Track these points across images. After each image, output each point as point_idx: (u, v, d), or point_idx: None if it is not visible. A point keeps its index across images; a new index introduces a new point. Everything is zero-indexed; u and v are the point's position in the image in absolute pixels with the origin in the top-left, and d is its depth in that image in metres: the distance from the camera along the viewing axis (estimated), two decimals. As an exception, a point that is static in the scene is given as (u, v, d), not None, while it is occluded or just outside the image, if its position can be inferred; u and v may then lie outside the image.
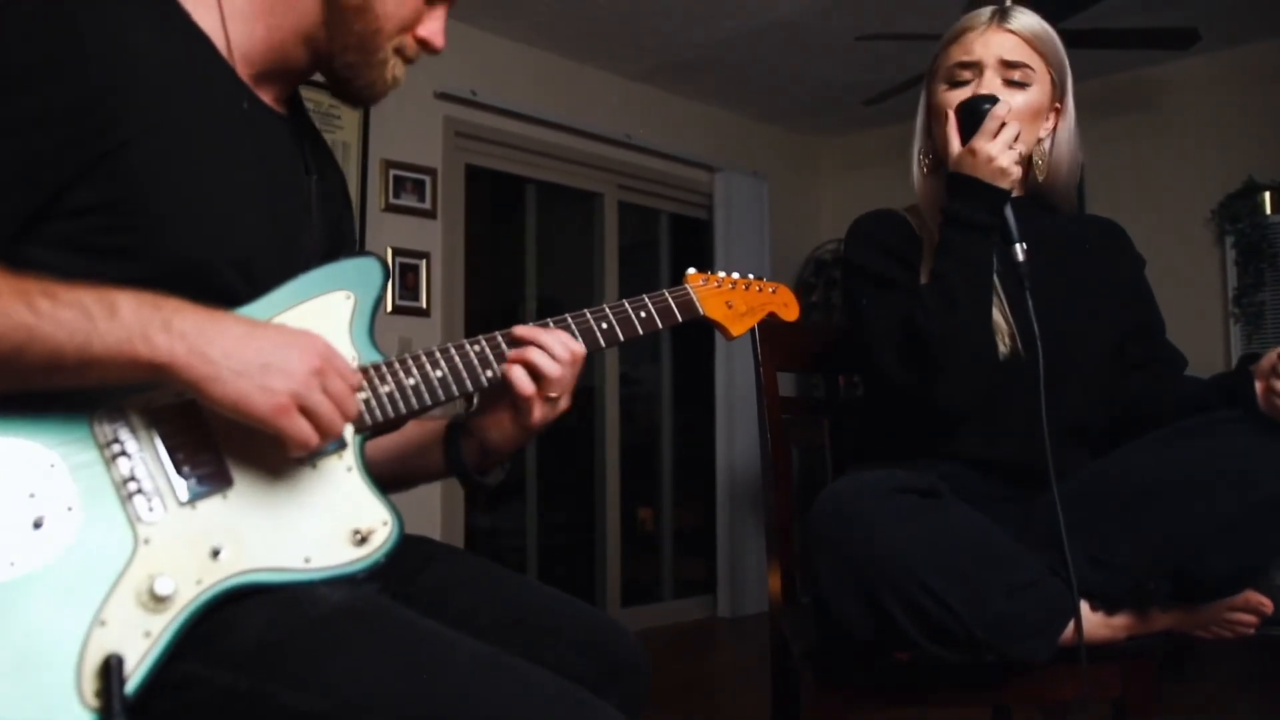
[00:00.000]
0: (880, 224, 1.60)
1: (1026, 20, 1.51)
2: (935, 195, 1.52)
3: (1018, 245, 1.37)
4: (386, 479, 1.00)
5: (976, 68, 1.49)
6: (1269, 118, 4.33)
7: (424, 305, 3.88)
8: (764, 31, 4.21)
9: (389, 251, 3.78)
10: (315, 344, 0.88)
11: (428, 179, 3.94)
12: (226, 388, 0.82)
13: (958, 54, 1.51)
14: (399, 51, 1.10)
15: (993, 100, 1.41)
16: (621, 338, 1.14)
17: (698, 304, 1.24)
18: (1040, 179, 1.54)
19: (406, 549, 0.96)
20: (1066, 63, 1.55)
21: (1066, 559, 1.25)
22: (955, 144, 1.43)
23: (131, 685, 0.76)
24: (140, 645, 0.78)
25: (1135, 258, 1.64)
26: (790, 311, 1.35)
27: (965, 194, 1.39)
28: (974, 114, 1.41)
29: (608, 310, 1.14)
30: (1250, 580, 1.31)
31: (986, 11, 1.53)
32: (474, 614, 1.06)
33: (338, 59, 1.07)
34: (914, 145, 1.60)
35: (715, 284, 1.28)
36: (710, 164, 5.04)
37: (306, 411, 0.86)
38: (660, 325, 1.19)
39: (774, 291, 1.34)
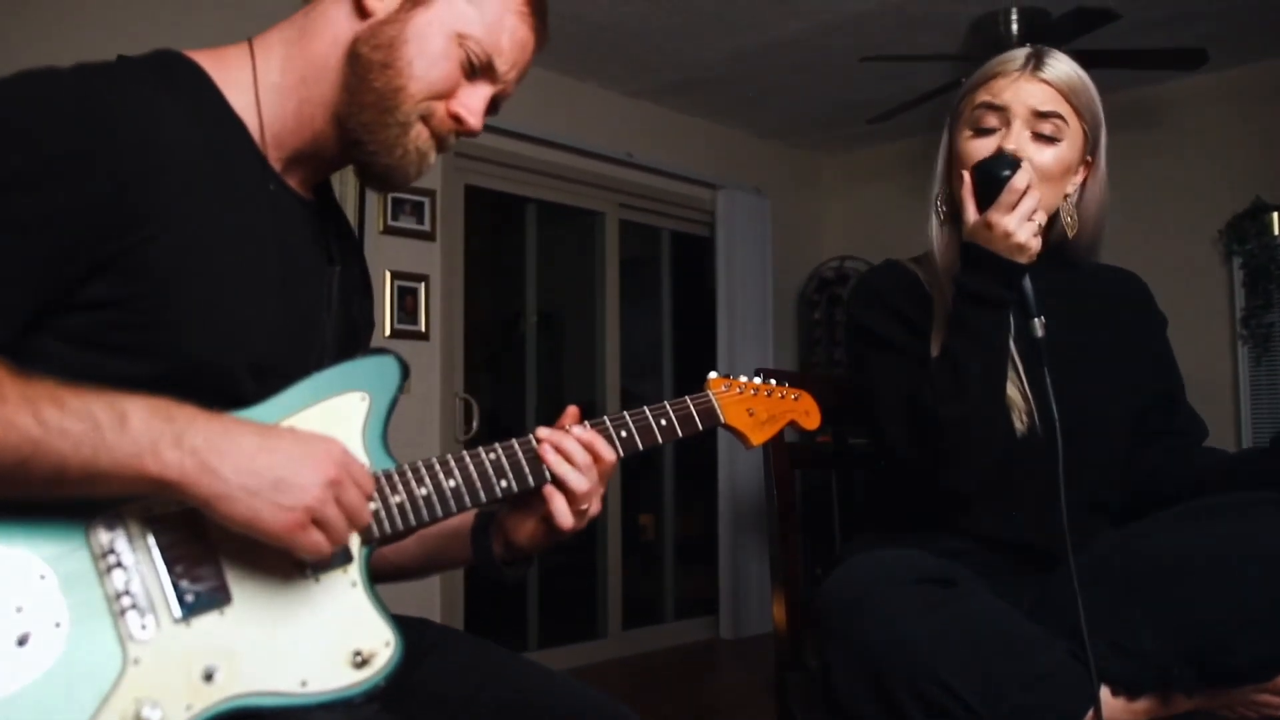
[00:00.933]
0: (889, 282, 1.53)
1: (1063, 69, 1.43)
2: (950, 249, 1.46)
3: (1037, 320, 1.31)
4: (411, 566, 0.97)
5: (1004, 115, 1.41)
6: (1277, 138, 4.30)
7: (423, 329, 3.84)
8: (766, 51, 4.18)
9: (387, 275, 3.73)
10: (332, 451, 0.85)
11: (426, 200, 3.90)
12: (237, 506, 0.80)
13: (985, 97, 1.43)
14: (426, 120, 1.04)
15: (1014, 166, 1.33)
16: (641, 446, 1.11)
17: (719, 413, 1.21)
18: (1069, 235, 1.47)
19: (406, 640, 0.92)
20: (1101, 114, 1.46)
21: (1086, 646, 1.21)
22: (971, 211, 1.36)
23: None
24: (124, 782, 0.73)
25: (1157, 316, 1.59)
26: (811, 420, 1.31)
27: (980, 267, 1.34)
28: (992, 180, 1.34)
29: (628, 418, 1.11)
30: None
31: (1021, 55, 1.44)
32: (476, 698, 1.06)
33: (354, 119, 1.01)
34: (932, 189, 1.51)
35: (738, 390, 1.25)
36: (712, 181, 5.01)
37: (320, 524, 0.83)
38: (681, 434, 1.16)
39: (796, 399, 1.30)
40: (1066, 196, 1.46)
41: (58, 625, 0.76)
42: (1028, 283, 1.33)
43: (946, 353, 1.36)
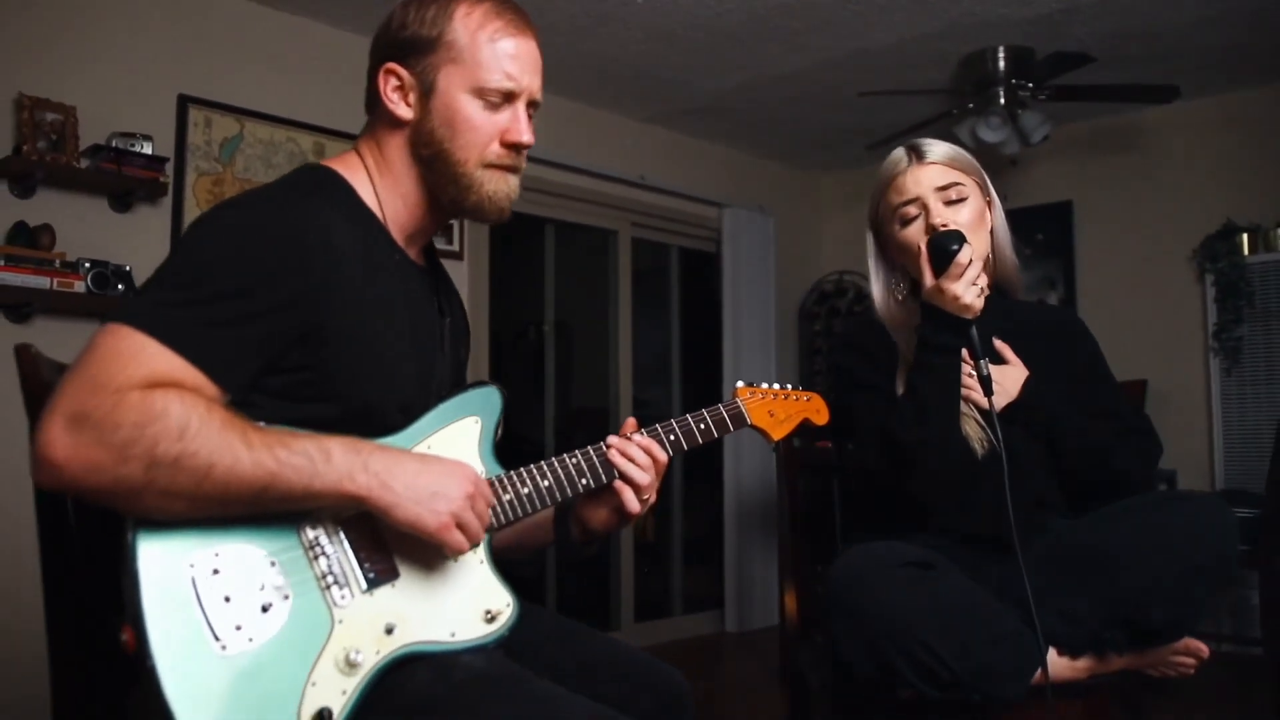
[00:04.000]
0: (864, 333, 1.85)
1: (938, 150, 1.75)
2: (909, 318, 1.76)
3: (983, 361, 1.61)
4: (509, 548, 1.27)
5: (918, 202, 1.72)
6: (1246, 164, 4.60)
7: (454, 342, 4.13)
8: (771, 84, 4.47)
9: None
10: (468, 473, 1.16)
11: (455, 222, 4.19)
12: (406, 512, 1.09)
13: (897, 198, 1.75)
14: (490, 167, 1.27)
15: (960, 242, 1.62)
16: (685, 447, 1.41)
17: (746, 416, 1.49)
18: (994, 269, 1.78)
19: (520, 604, 1.23)
20: (977, 164, 1.79)
21: (1034, 618, 1.51)
22: (928, 278, 1.65)
23: (334, 732, 1.03)
24: (339, 701, 1.04)
25: (1090, 342, 1.87)
26: (821, 417, 1.58)
27: (937, 323, 1.64)
28: (942, 253, 1.63)
29: (674, 424, 1.41)
30: (1188, 629, 1.59)
31: (901, 154, 1.77)
32: (561, 661, 1.33)
33: (442, 196, 1.29)
34: (873, 280, 1.83)
35: (760, 396, 1.52)
36: (719, 200, 5.30)
37: (461, 526, 1.13)
38: (716, 436, 1.44)
39: (808, 400, 1.58)
40: (992, 233, 1.77)
41: (286, 597, 1.06)
42: (974, 332, 1.62)
43: (910, 389, 1.68)
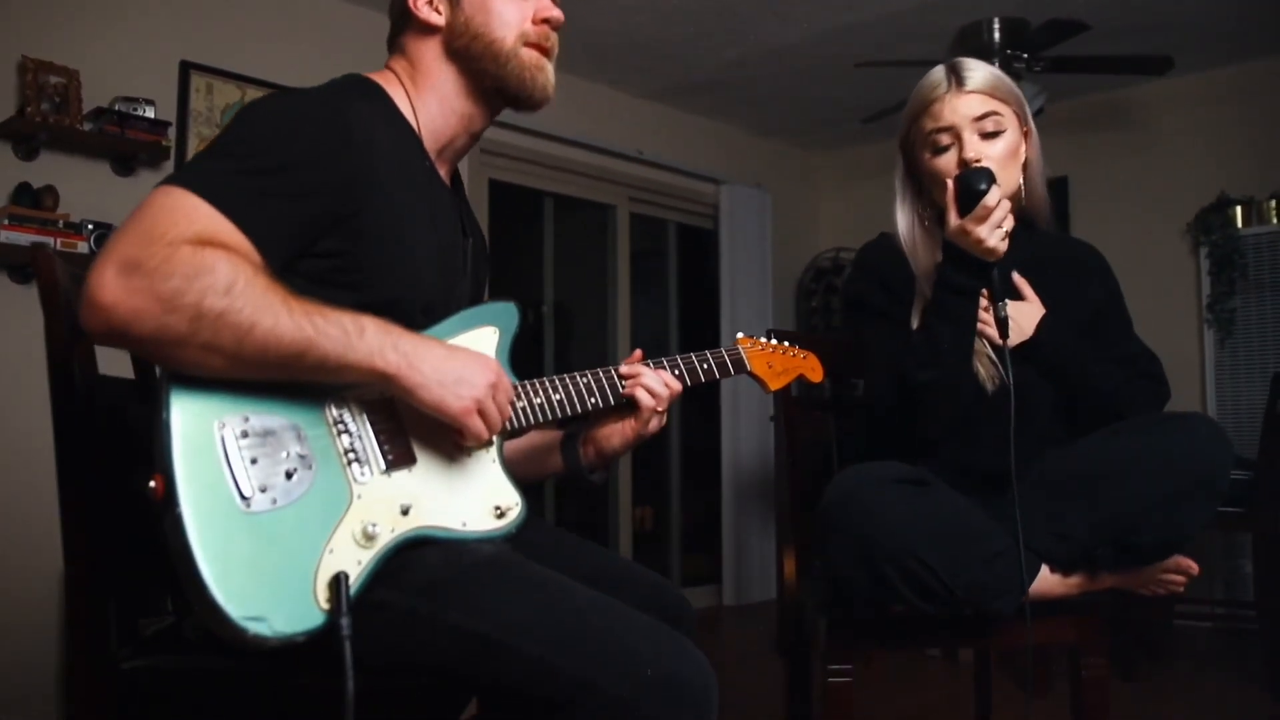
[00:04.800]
0: (881, 257, 1.83)
1: (980, 75, 1.68)
2: (926, 245, 1.75)
3: (1001, 303, 1.60)
4: (520, 475, 1.31)
5: (952, 131, 1.67)
6: (1239, 137, 4.64)
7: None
8: (767, 57, 4.50)
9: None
10: (491, 364, 1.20)
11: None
12: (432, 393, 1.13)
13: (931, 124, 1.69)
14: (528, 46, 1.35)
15: (989, 181, 1.58)
16: (688, 383, 1.46)
17: (746, 362, 1.55)
18: (1024, 201, 1.75)
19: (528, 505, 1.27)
20: (1019, 91, 1.73)
21: (1020, 538, 1.54)
22: (953, 217, 1.61)
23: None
24: (355, 570, 1.08)
25: (1111, 280, 1.87)
26: (816, 375, 1.65)
27: (958, 264, 1.62)
28: (969, 192, 1.59)
29: (679, 360, 1.47)
30: (1178, 548, 1.62)
31: (941, 76, 1.70)
32: (563, 568, 1.36)
33: (484, 82, 1.36)
34: (898, 203, 1.79)
35: (760, 347, 1.59)
36: (716, 177, 5.33)
37: (482, 414, 1.17)
38: (718, 376, 1.50)
39: (804, 358, 1.64)
40: (1025, 165, 1.74)
41: (310, 467, 1.09)
42: (996, 274, 1.61)
43: (925, 327, 1.67)
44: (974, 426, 1.70)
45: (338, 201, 1.18)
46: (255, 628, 0.99)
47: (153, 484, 1.00)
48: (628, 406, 1.42)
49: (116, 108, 3.21)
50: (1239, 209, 4.59)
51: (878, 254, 1.86)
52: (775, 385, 1.60)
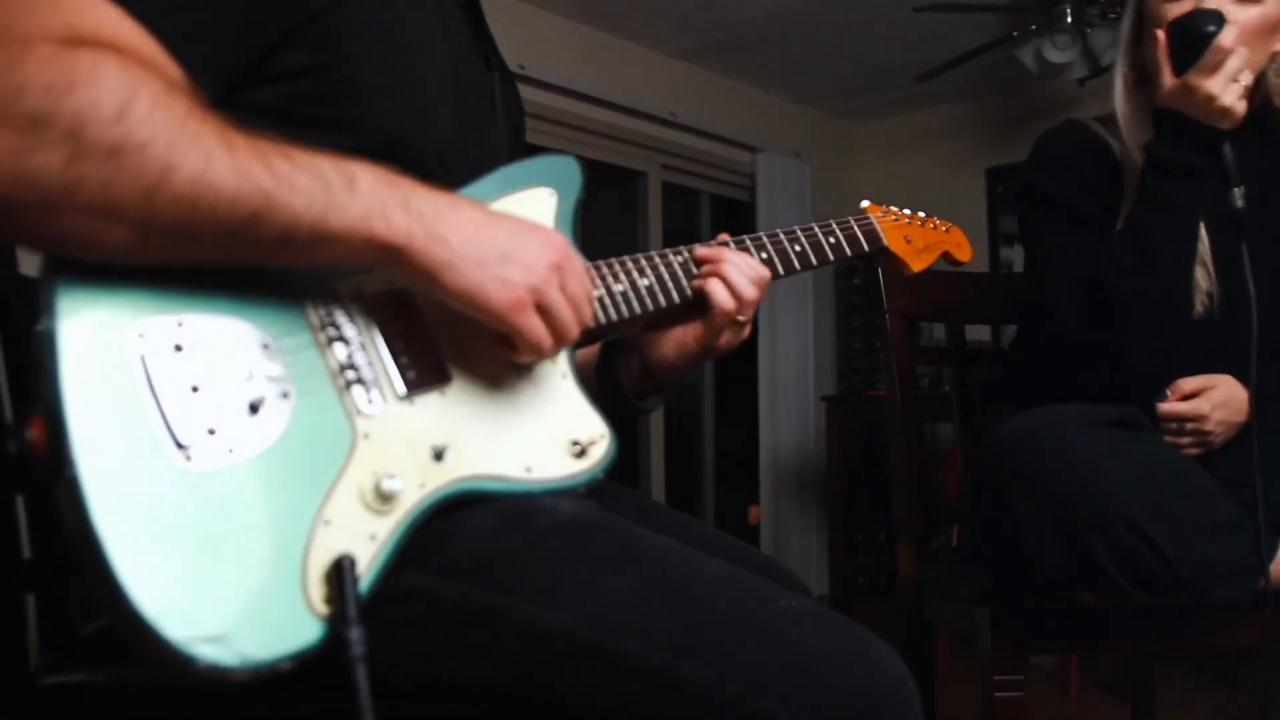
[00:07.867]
0: (1074, 147, 1.43)
1: None
2: (1139, 120, 1.36)
3: (1237, 190, 1.22)
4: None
5: None
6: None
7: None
8: (811, 7, 4.13)
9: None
10: (554, 238, 0.80)
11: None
12: (463, 276, 0.74)
13: None
14: None
15: (1218, 22, 1.22)
16: (815, 262, 1.08)
17: (881, 236, 1.18)
18: (1275, 101, 1.35)
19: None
20: None
21: (1261, 505, 1.16)
22: (1167, 74, 1.25)
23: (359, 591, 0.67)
24: (368, 549, 0.69)
25: None
26: (964, 252, 1.30)
27: (1176, 134, 1.24)
28: (1192, 38, 1.22)
29: (799, 232, 1.08)
30: None
31: None
32: (660, 522, 1.01)
33: None
34: (1117, 59, 1.41)
35: (894, 217, 1.22)
36: (752, 144, 4.97)
37: (543, 310, 0.77)
38: (849, 253, 1.13)
39: (947, 230, 1.28)
40: (1274, 57, 1.34)
41: (285, 395, 0.71)
42: (1228, 150, 1.24)
43: (1132, 224, 1.28)
44: (1186, 359, 1.30)
45: None
46: (209, 654, 0.61)
47: (31, 433, 0.62)
48: (697, 306, 1.02)
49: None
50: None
51: (1068, 142, 1.45)
52: (918, 266, 1.25)
